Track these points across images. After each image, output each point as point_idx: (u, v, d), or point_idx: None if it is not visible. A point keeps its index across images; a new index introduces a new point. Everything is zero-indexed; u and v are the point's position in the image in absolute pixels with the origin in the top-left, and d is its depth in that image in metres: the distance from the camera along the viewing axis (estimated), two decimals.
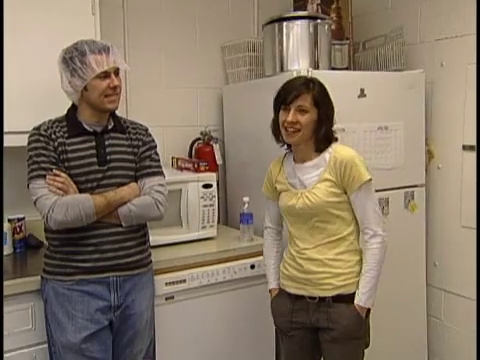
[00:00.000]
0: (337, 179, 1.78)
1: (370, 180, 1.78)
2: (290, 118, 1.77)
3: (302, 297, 1.86)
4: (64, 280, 1.75)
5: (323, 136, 1.80)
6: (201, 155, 2.75)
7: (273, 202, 1.99)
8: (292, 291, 1.88)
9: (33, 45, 2.07)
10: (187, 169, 2.54)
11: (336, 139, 1.85)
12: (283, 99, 1.81)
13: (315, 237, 1.83)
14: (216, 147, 2.78)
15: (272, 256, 2.03)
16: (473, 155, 2.47)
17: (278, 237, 2.05)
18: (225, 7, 2.92)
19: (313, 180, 1.82)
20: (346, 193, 1.80)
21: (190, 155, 2.80)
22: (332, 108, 1.83)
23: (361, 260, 1.83)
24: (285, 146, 1.93)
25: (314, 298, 1.83)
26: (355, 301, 1.79)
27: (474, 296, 2.50)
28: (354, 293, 1.80)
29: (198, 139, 2.81)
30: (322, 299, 1.81)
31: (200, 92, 2.88)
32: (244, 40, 2.75)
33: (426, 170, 2.65)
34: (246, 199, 2.39)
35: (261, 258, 2.33)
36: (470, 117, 2.47)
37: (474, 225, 2.48)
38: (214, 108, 2.93)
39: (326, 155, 1.81)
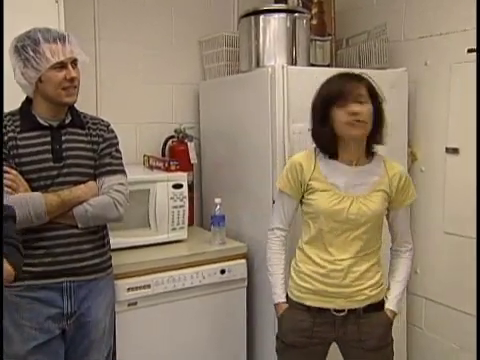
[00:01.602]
0: (391, 191, 1.70)
1: None
2: (353, 108, 1.60)
3: (325, 310, 1.69)
4: (13, 286, 1.62)
5: (377, 135, 1.68)
6: (175, 154, 2.63)
7: (292, 201, 1.76)
8: (312, 304, 1.69)
9: None
10: (158, 168, 2.42)
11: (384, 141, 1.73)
12: (339, 94, 1.61)
13: (354, 248, 1.67)
14: (191, 145, 2.66)
15: (280, 264, 1.79)
16: (456, 158, 2.36)
17: (286, 242, 1.82)
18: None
19: (366, 187, 1.68)
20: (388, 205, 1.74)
21: (163, 154, 2.68)
22: (382, 100, 1.70)
23: (382, 270, 1.78)
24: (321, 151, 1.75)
25: (342, 311, 1.68)
26: (390, 306, 1.73)
27: (455, 305, 2.40)
28: (382, 300, 1.74)
29: (172, 137, 2.69)
30: (352, 311, 1.68)
31: (176, 88, 2.76)
32: (221, 34, 2.63)
33: (409, 173, 2.54)
34: (218, 200, 2.28)
35: (232, 263, 2.24)
36: (454, 119, 2.36)
37: (457, 231, 2.37)
38: (190, 105, 2.80)
39: (381, 164, 1.71)
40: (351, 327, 1.69)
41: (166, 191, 2.27)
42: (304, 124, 2.14)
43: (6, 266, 1.20)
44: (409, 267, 1.81)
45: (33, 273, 1.63)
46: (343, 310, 1.69)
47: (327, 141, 1.71)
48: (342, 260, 1.67)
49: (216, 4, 2.82)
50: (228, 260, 2.24)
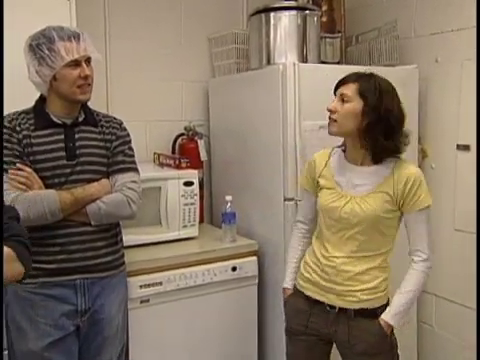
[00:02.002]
0: (395, 194, 1.63)
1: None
2: (329, 106, 1.66)
3: (321, 303, 1.72)
4: (26, 283, 1.62)
5: (369, 138, 1.61)
6: (185, 151, 2.64)
7: (311, 196, 1.82)
8: (311, 295, 1.74)
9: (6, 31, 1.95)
10: (168, 165, 2.42)
11: (400, 151, 1.65)
12: (334, 89, 1.70)
13: (349, 247, 1.67)
14: (201, 143, 2.66)
15: (296, 254, 1.87)
16: (467, 155, 2.36)
17: (308, 235, 1.87)
18: None
19: (367, 188, 1.66)
20: (400, 211, 1.67)
21: (173, 151, 2.69)
22: (385, 106, 1.60)
23: (387, 278, 1.72)
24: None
25: (334, 307, 1.69)
26: (385, 317, 1.65)
27: (467, 302, 2.40)
28: (377, 308, 1.67)
29: (182, 134, 2.69)
30: (343, 310, 1.68)
31: (185, 85, 2.76)
32: (231, 31, 2.63)
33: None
34: (229, 198, 2.28)
35: (243, 260, 2.25)
36: (465, 115, 2.35)
37: (467, 228, 2.37)
38: (200, 102, 2.81)
39: (390, 165, 1.66)
40: (342, 327, 1.68)
41: (177, 189, 2.27)
42: (315, 121, 2.16)
43: (16, 264, 1.21)
44: (419, 279, 1.66)
45: (47, 270, 1.63)
46: (335, 307, 1.69)
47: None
48: (335, 257, 1.69)
49: (225, 2, 2.82)
50: (239, 257, 2.24)
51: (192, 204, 2.32)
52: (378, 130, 1.61)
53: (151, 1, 2.63)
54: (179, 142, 2.69)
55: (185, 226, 2.32)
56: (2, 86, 1.76)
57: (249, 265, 2.26)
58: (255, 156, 2.39)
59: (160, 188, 2.25)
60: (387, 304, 1.69)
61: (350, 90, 1.63)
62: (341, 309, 1.68)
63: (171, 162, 2.40)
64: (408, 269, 1.69)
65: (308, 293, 1.75)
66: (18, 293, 1.65)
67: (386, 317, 1.65)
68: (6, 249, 1.18)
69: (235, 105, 2.53)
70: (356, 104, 1.61)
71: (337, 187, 1.70)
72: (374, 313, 1.67)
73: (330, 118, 1.67)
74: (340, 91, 1.65)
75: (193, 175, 2.33)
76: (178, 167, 2.34)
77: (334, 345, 1.78)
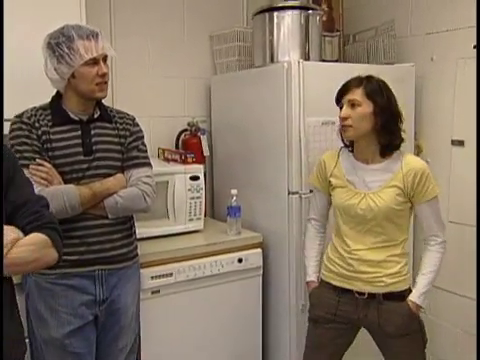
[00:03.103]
0: (406, 187, 1.74)
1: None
2: (341, 113, 1.76)
3: (348, 291, 1.82)
4: (47, 273, 1.69)
5: (386, 133, 1.74)
6: (188, 146, 2.70)
7: (322, 194, 1.94)
8: (338, 284, 1.84)
9: (15, 29, 1.97)
10: (174, 160, 2.49)
11: (402, 140, 1.79)
12: (336, 97, 1.79)
13: (368, 239, 1.78)
14: (203, 138, 2.73)
15: (314, 248, 1.97)
16: (461, 150, 2.46)
17: (322, 230, 1.99)
18: None
19: (379, 184, 1.77)
20: (410, 202, 1.78)
21: (177, 146, 2.75)
22: (392, 103, 1.75)
23: (407, 263, 1.83)
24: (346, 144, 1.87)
25: (363, 294, 1.79)
26: (412, 298, 1.77)
27: (461, 291, 2.51)
28: (404, 291, 1.79)
29: (185, 130, 2.76)
30: (371, 295, 1.78)
31: (188, 82, 2.82)
32: (233, 29, 2.69)
33: None
34: (234, 192, 2.35)
35: (248, 252, 2.32)
36: (459, 112, 2.46)
37: (461, 220, 2.48)
38: (202, 99, 2.87)
39: (397, 162, 1.77)
40: (372, 311, 1.79)
41: (184, 183, 2.34)
42: (318, 118, 2.25)
43: (51, 250, 1.27)
44: (437, 260, 1.80)
45: (68, 261, 1.69)
46: (364, 293, 1.79)
47: (342, 139, 1.85)
48: (357, 250, 1.80)
49: (226, 0, 2.88)
50: (244, 249, 2.32)
51: (198, 198, 2.39)
52: (391, 127, 1.74)
53: (155, 1, 2.68)
54: (182, 138, 2.75)
55: (191, 219, 2.39)
56: (2, 86, 1.79)
57: (254, 257, 2.34)
58: (258, 151, 2.47)
59: (167, 182, 2.31)
60: (410, 287, 1.81)
61: (358, 95, 1.73)
62: (370, 294, 1.78)
63: (177, 157, 2.46)
64: (425, 252, 1.82)
65: (335, 283, 1.85)
66: (39, 284, 1.71)
67: (413, 298, 1.77)
68: (42, 236, 1.24)
69: (238, 101, 2.59)
70: (366, 107, 1.72)
71: (349, 185, 1.81)
72: (402, 295, 1.78)
73: (344, 125, 1.76)
74: (347, 97, 1.75)
75: (199, 170, 2.40)
76: (184, 162, 2.40)
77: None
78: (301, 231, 2.26)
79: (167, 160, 2.53)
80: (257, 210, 2.49)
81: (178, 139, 2.76)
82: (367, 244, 1.79)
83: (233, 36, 2.70)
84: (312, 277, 1.95)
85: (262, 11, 2.41)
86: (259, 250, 2.36)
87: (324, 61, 2.51)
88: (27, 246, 1.21)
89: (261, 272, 2.38)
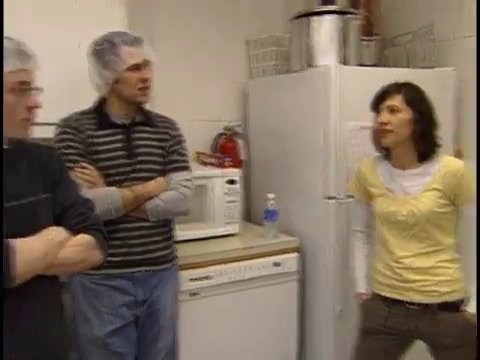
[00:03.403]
0: (446, 189, 1.72)
1: None
2: (381, 118, 1.75)
3: (399, 301, 1.79)
4: (91, 274, 1.73)
5: (424, 141, 1.74)
6: (224, 150, 2.72)
7: (363, 205, 1.93)
8: (388, 295, 1.81)
9: (58, 35, 2.03)
10: (211, 164, 2.51)
11: (439, 146, 1.77)
12: (374, 102, 1.79)
13: (414, 245, 1.76)
14: (240, 143, 2.75)
15: (362, 259, 1.95)
16: None
17: (367, 241, 1.96)
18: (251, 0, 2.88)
19: (417, 188, 1.75)
20: (454, 204, 1.75)
21: (213, 150, 2.77)
22: (430, 111, 1.76)
23: (459, 268, 1.78)
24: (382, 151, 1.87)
25: (413, 304, 1.76)
26: (470, 308, 1.71)
27: None
28: (458, 301, 1.74)
29: (222, 134, 2.78)
30: (425, 306, 1.75)
31: (224, 86, 2.84)
32: (270, 34, 2.71)
33: None
34: (271, 196, 2.36)
35: (285, 256, 2.32)
36: None
37: None
38: (238, 103, 2.89)
39: (434, 164, 1.75)
40: (425, 322, 1.75)
41: (221, 186, 2.36)
42: (356, 122, 2.24)
43: (96, 252, 1.30)
44: None
45: (111, 262, 1.72)
46: (414, 303, 1.76)
47: (376, 145, 1.85)
48: (404, 258, 1.77)
49: (263, 5, 2.90)
50: (281, 253, 2.32)
51: (235, 201, 2.40)
52: (429, 134, 1.74)
53: (192, 4, 2.72)
54: (219, 142, 2.78)
55: (228, 223, 2.40)
56: (2, 86, 1.83)
57: (290, 261, 2.34)
58: (295, 155, 2.47)
59: (205, 186, 2.33)
60: (465, 296, 1.75)
61: (397, 101, 1.73)
62: (421, 304, 1.75)
63: (214, 161, 2.49)
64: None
65: (385, 294, 1.82)
66: (84, 284, 1.75)
67: (472, 308, 1.71)
68: (89, 237, 1.28)
69: (274, 106, 2.60)
70: (406, 113, 1.72)
71: (388, 193, 1.80)
72: (456, 306, 1.74)
73: (384, 130, 1.75)
74: (387, 103, 1.75)
75: (236, 173, 2.41)
76: (221, 166, 2.43)
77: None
78: (338, 236, 2.26)
79: (204, 164, 2.56)
80: (293, 214, 2.49)
81: (215, 143, 2.78)
82: (413, 250, 1.76)
83: (270, 41, 2.72)
84: (362, 288, 1.92)
85: (300, 16, 2.41)
86: (296, 254, 2.36)
87: (362, 65, 2.49)
88: (75, 247, 1.24)
89: (298, 276, 2.37)
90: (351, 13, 2.41)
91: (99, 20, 2.04)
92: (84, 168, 1.72)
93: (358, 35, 2.45)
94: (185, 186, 1.84)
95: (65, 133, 1.75)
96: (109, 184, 1.75)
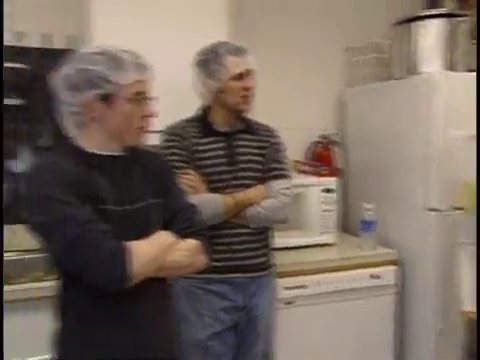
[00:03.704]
0: None
1: None
2: None
3: None
4: (193, 278, 1.77)
5: None
6: (320, 159, 2.70)
7: (476, 217, 1.80)
8: None
9: (165, 45, 2.11)
10: (307, 172, 2.50)
11: None
12: None
13: None
14: (336, 151, 2.71)
15: (469, 274, 1.83)
16: None
17: (474, 254, 1.83)
18: (350, 6, 2.84)
19: None
20: None
21: (309, 158, 2.76)
22: None
23: None
24: None
25: None
26: None
27: None
28: None
29: (318, 142, 2.76)
30: None
31: (320, 94, 2.82)
32: (371, 41, 2.65)
33: None
34: (369, 206, 2.31)
35: (382, 269, 2.26)
36: None
37: None
38: (335, 111, 2.86)
39: None
40: None
41: (317, 195, 2.34)
42: (464, 131, 2.12)
43: (201, 256, 1.33)
44: None
45: (213, 267, 1.75)
46: None
47: None
48: None
49: (363, 11, 2.84)
50: (378, 265, 2.25)
51: (331, 211, 2.37)
52: None
53: (292, 14, 2.72)
54: (314, 150, 2.76)
55: (323, 232, 2.38)
56: (2, 87, 1.89)
57: (388, 274, 2.27)
58: (394, 164, 2.39)
59: (302, 194, 2.32)
60: None
61: None
62: None
63: (310, 169, 2.47)
64: None
65: None
66: (186, 287, 1.80)
67: None
68: (195, 242, 1.31)
69: (373, 114, 2.54)
70: None
71: None
72: None
73: None
74: None
75: (332, 182, 2.38)
76: (318, 174, 2.41)
77: None
78: (440, 249, 2.15)
79: (300, 172, 2.55)
80: (392, 225, 2.41)
81: (310, 151, 2.77)
82: None
83: (370, 47, 2.65)
84: (469, 306, 1.82)
85: (404, 21, 2.34)
86: (394, 267, 2.28)
87: (471, 71, 2.36)
88: (183, 251, 1.28)
89: (396, 290, 2.29)
90: (459, 15, 2.30)
91: (202, 30, 2.11)
92: (188, 174, 1.78)
93: (467, 39, 2.32)
94: (284, 194, 1.84)
95: (171, 140, 1.81)
96: (211, 191, 1.79)
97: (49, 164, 1.18)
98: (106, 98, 1.22)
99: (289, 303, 2.10)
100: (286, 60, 2.72)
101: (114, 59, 1.22)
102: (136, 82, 1.25)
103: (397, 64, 2.42)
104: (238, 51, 1.77)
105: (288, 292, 2.09)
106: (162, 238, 1.25)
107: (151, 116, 1.30)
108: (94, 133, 1.27)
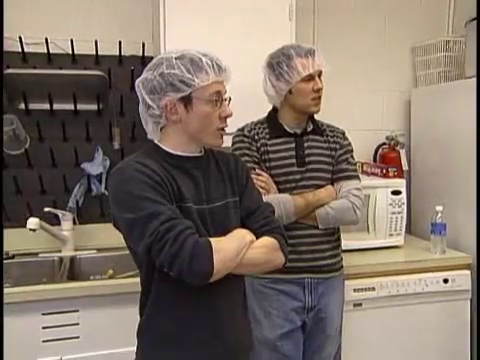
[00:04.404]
0: None
1: None
2: None
3: None
4: (261, 277, 1.79)
5: None
6: (386, 160, 2.66)
7: None
8: None
9: (234, 48, 2.13)
10: (374, 174, 2.47)
11: None
12: None
13: None
14: (402, 153, 2.67)
15: None
16: None
17: None
18: (417, 5, 2.78)
19: None
20: None
21: (375, 160, 2.73)
22: None
23: None
24: None
25: None
26: None
27: None
28: None
29: (383, 144, 2.72)
30: None
31: (386, 95, 2.79)
32: (439, 39, 2.59)
33: None
34: (439, 208, 2.25)
35: (454, 273, 2.19)
36: None
37: None
38: (400, 112, 2.81)
39: None
40: None
41: (385, 197, 2.31)
42: None
43: (279, 254, 1.35)
44: None
45: (283, 267, 1.77)
46: None
47: None
48: None
49: (429, 9, 2.79)
50: (450, 270, 2.19)
51: (399, 213, 2.34)
52: None
53: (357, 15, 2.71)
54: (380, 152, 2.72)
55: (391, 234, 2.34)
56: (2, 89, 1.91)
57: (461, 278, 2.20)
58: (465, 166, 2.33)
59: (369, 196, 2.30)
60: None
61: None
62: None
63: (377, 171, 2.44)
64: None
65: None
66: (254, 286, 1.82)
67: None
68: (272, 239, 1.33)
69: (442, 114, 2.48)
70: None
71: None
72: None
73: None
74: None
75: (401, 184, 2.35)
76: (385, 176, 2.37)
77: None
78: None
79: (366, 173, 2.52)
80: (462, 228, 2.34)
81: (376, 153, 2.73)
82: None
83: (439, 46, 2.59)
84: None
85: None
86: (467, 272, 2.21)
87: None
88: (260, 248, 1.30)
89: (469, 296, 2.22)
90: None
91: (270, 33, 2.14)
92: (259, 175, 1.80)
93: None
94: (355, 195, 1.83)
95: (241, 142, 1.85)
96: (280, 191, 1.81)
97: (135, 164, 1.24)
98: (186, 100, 1.27)
99: (357, 305, 2.08)
100: (352, 61, 2.71)
101: (192, 62, 1.26)
102: (214, 83, 1.28)
103: (470, 62, 2.35)
104: (308, 53, 1.78)
105: (356, 294, 2.07)
106: (241, 235, 1.28)
107: (229, 116, 1.33)
108: (175, 135, 1.32)
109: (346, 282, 2.03)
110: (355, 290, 2.07)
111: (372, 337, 2.12)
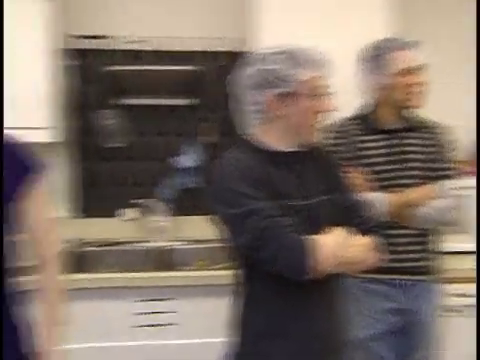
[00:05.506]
0: None
1: None
2: None
3: None
4: (354, 277, 1.73)
5: None
6: None
7: None
8: None
9: (329, 43, 2.08)
10: (473, 173, 2.32)
11: None
12: None
13: None
14: None
15: None
16: None
17: None
18: None
19: None
20: None
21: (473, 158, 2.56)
22: None
23: None
24: None
25: None
26: None
27: None
28: None
29: None
30: None
31: None
32: None
33: None
34: None
35: None
36: None
37: None
38: None
39: None
40: None
41: None
42: None
43: (375, 253, 1.31)
44: None
45: (377, 267, 1.72)
46: None
47: None
48: None
49: None
50: None
51: None
52: None
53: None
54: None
55: None
56: (2, 89, 1.88)
57: None
58: None
59: (469, 197, 2.16)
60: None
61: None
62: None
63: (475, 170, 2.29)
64: None
65: None
66: (347, 286, 1.76)
67: None
68: (368, 238, 1.30)
69: None
70: None
71: None
72: None
73: None
74: None
75: None
76: None
77: None
78: None
79: (466, 173, 2.37)
80: None
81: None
82: None
83: None
84: None
85: None
86: None
87: None
88: (357, 247, 1.27)
89: None
90: None
91: (365, 27, 2.08)
92: (352, 172, 1.75)
93: None
94: (455, 195, 1.74)
95: (334, 138, 1.81)
96: (373, 189, 1.75)
97: (234, 160, 1.26)
98: (287, 96, 1.26)
99: (458, 311, 1.97)
100: (452, 54, 2.57)
101: (292, 57, 1.26)
102: (314, 78, 1.27)
103: None
104: (405, 46, 1.72)
105: (457, 299, 1.96)
106: (341, 234, 1.25)
107: (331, 111, 1.31)
108: (274, 130, 1.32)
109: (446, 286, 1.93)
110: (456, 295, 1.96)
111: (473, 345, 1.99)
